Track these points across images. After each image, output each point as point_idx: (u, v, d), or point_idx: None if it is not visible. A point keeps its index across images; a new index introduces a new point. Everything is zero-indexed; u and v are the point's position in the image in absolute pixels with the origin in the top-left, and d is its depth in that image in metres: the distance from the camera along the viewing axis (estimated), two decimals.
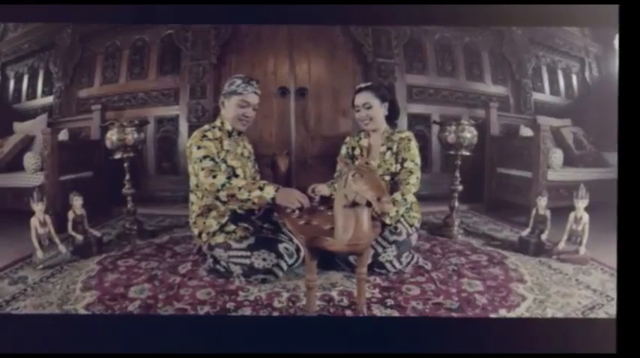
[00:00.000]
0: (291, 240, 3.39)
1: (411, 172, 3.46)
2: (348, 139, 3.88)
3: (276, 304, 2.92)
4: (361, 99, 3.57)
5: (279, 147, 5.76)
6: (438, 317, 2.79)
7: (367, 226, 2.47)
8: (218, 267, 3.37)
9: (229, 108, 3.38)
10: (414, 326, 2.75)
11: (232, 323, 2.80)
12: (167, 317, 2.83)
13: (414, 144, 3.56)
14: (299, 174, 5.97)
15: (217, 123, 3.45)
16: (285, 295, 3.04)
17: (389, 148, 3.59)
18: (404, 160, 3.50)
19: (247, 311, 2.83)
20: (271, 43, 6.05)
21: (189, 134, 3.87)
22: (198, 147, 3.19)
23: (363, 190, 2.27)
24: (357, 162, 2.86)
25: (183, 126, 6.06)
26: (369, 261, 3.07)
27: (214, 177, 3.05)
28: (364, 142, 3.71)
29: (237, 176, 3.32)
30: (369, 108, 3.55)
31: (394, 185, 3.50)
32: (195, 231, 3.42)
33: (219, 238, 3.31)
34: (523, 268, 3.56)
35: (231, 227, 3.31)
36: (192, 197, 3.42)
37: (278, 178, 5.05)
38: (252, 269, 3.21)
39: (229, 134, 3.42)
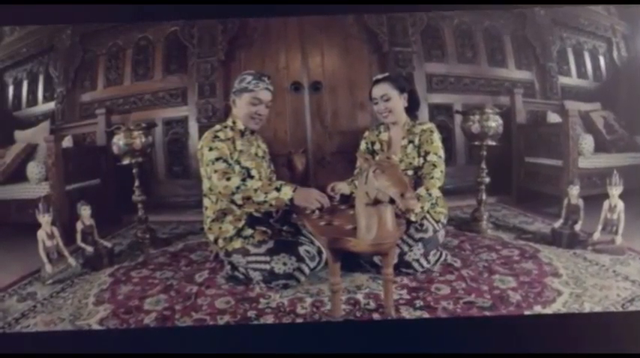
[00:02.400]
0: (312, 242, 3.39)
1: (435, 166, 3.44)
2: (367, 134, 3.87)
3: (299, 310, 2.92)
4: (379, 91, 3.56)
5: (295, 145, 5.76)
6: (471, 317, 2.79)
7: (391, 224, 2.47)
8: (237, 273, 3.38)
9: (241, 107, 3.39)
10: (445, 327, 2.75)
11: (254, 333, 2.81)
12: (185, 328, 2.83)
13: (436, 136, 3.55)
14: (317, 172, 5.97)
15: (229, 122, 3.45)
16: (309, 300, 3.04)
17: (410, 141, 3.58)
18: (427, 153, 3.49)
19: (270, 319, 2.83)
20: (282, 36, 6.05)
21: (200, 135, 3.89)
22: (210, 149, 3.19)
23: (385, 187, 2.26)
24: (377, 158, 2.83)
25: (193, 127, 6.05)
26: (395, 260, 3.07)
27: (228, 179, 3.05)
28: (384, 136, 3.71)
29: (252, 177, 3.32)
30: (388, 100, 3.54)
31: (418, 180, 3.50)
32: (211, 237, 3.42)
33: (237, 243, 3.31)
34: (557, 261, 3.56)
35: (249, 231, 3.32)
36: (205, 201, 3.43)
37: (295, 178, 5.05)
38: (273, 274, 3.20)
39: (242, 133, 3.43)
